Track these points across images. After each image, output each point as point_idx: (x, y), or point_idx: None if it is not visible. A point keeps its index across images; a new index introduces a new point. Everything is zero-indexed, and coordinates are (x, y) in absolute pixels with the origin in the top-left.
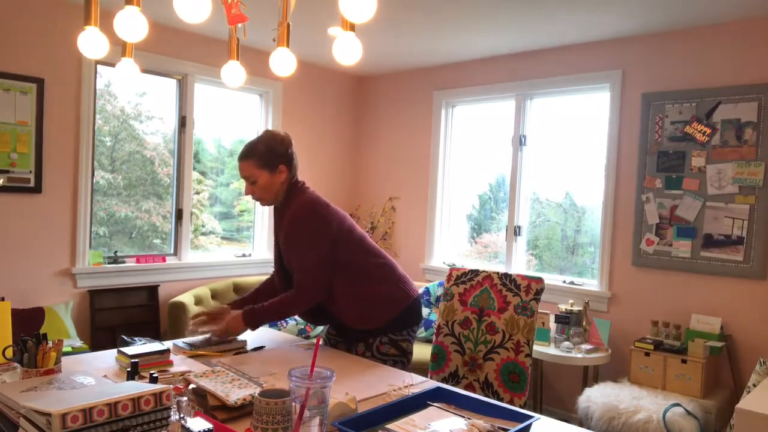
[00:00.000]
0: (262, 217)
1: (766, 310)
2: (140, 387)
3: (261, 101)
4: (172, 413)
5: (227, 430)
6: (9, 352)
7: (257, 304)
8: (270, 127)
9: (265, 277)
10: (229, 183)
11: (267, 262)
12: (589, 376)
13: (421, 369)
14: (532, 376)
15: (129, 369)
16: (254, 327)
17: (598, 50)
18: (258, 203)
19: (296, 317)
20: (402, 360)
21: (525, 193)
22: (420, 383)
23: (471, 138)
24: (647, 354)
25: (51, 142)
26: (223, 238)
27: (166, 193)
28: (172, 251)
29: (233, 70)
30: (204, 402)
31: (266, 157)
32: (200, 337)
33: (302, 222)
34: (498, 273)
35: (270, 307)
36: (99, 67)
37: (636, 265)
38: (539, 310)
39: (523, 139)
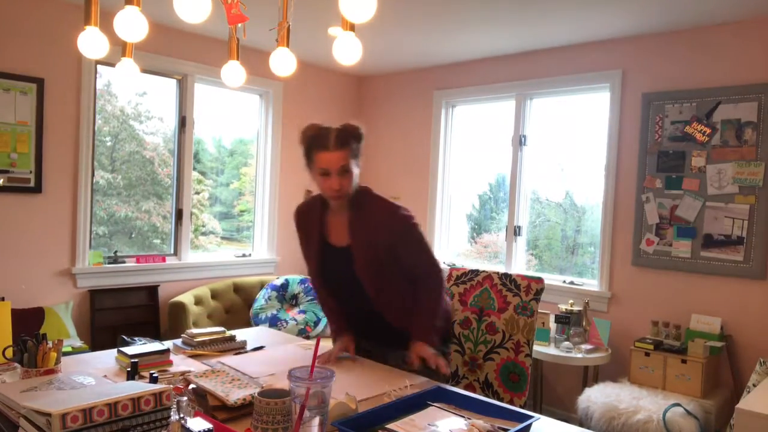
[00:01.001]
0: (262, 217)
1: (766, 310)
2: (140, 387)
3: (261, 101)
4: (172, 413)
5: (227, 430)
6: (9, 352)
7: (418, 319)
8: (270, 127)
9: (266, 278)
10: (229, 183)
11: (267, 262)
12: (589, 376)
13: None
14: (532, 376)
15: (129, 369)
16: (434, 337)
17: (598, 50)
18: (293, 207)
19: (296, 318)
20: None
21: (525, 193)
22: (420, 383)
23: (471, 138)
24: (647, 354)
25: (51, 142)
26: (223, 238)
27: (166, 193)
28: (172, 251)
29: (233, 70)
30: (204, 402)
31: (359, 148)
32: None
33: (406, 215)
34: (498, 273)
35: (428, 310)
36: (99, 67)
37: (636, 265)
38: (539, 310)
39: (523, 139)
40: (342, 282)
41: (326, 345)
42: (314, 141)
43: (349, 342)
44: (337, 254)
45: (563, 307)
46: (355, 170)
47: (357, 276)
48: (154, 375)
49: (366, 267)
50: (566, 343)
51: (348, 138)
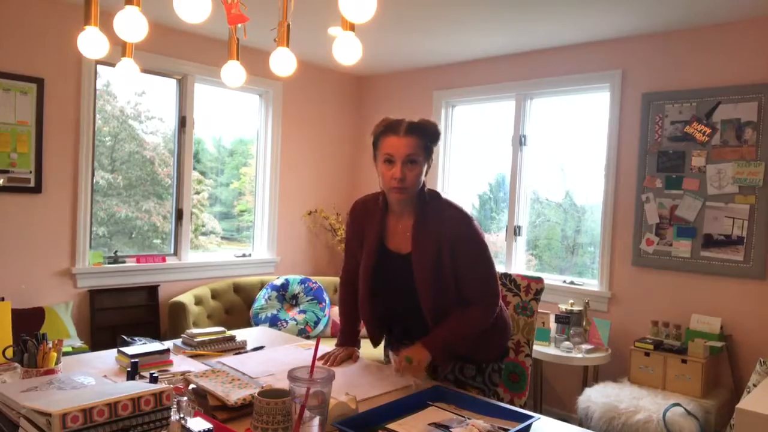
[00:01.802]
0: (262, 217)
1: (766, 310)
2: (140, 387)
3: (261, 101)
4: (172, 413)
5: (227, 430)
6: (9, 352)
7: (437, 330)
8: (270, 127)
9: (266, 278)
10: (229, 183)
11: (267, 262)
12: (589, 376)
13: None
14: (532, 376)
15: (129, 369)
16: (441, 354)
17: (598, 50)
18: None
19: (296, 318)
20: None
21: (525, 193)
22: (419, 383)
23: (471, 138)
24: (647, 354)
25: (51, 142)
26: (223, 238)
27: (166, 193)
28: (172, 251)
29: (233, 70)
30: (204, 402)
31: (432, 143)
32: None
33: (477, 231)
34: (498, 273)
35: (453, 328)
36: (99, 67)
37: (636, 265)
38: (539, 310)
39: (523, 139)
40: (395, 291)
41: (326, 346)
42: (385, 128)
43: (355, 354)
44: (394, 261)
45: (563, 307)
46: (423, 167)
47: (415, 287)
48: (154, 375)
49: (426, 280)
50: (566, 343)
51: (421, 130)
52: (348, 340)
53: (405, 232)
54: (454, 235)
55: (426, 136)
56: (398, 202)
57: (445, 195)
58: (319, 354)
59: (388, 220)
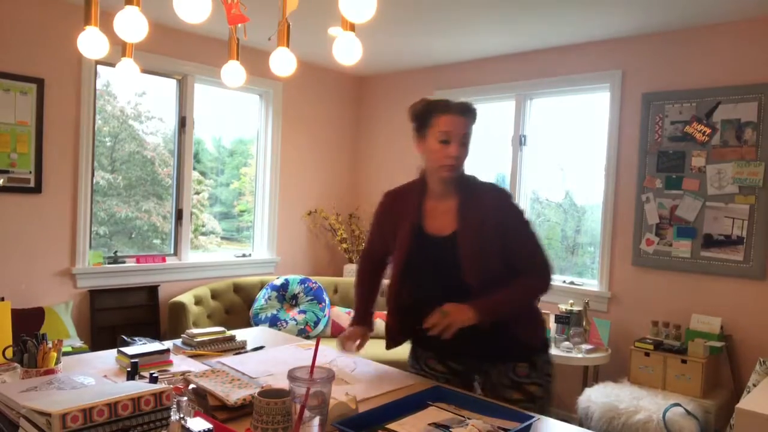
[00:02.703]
0: (262, 217)
1: (766, 310)
2: (140, 387)
3: (261, 101)
4: (172, 413)
5: (227, 430)
6: (9, 352)
7: (490, 295)
8: (270, 127)
9: (266, 278)
10: (229, 183)
11: (267, 262)
12: (589, 376)
13: None
14: None
15: (129, 369)
16: (487, 315)
17: (598, 50)
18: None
19: (296, 318)
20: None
21: (525, 193)
22: (420, 383)
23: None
24: (647, 354)
25: (51, 142)
26: (223, 238)
27: (166, 193)
28: (172, 251)
29: (233, 70)
30: (204, 402)
31: (473, 124)
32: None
33: (518, 205)
34: None
35: (509, 293)
36: (99, 67)
37: (636, 265)
38: None
39: (523, 139)
40: (434, 276)
41: (326, 346)
42: (433, 106)
43: (367, 336)
44: (435, 244)
45: (563, 307)
46: (469, 147)
47: (460, 267)
48: (154, 375)
49: (473, 257)
50: (566, 343)
51: (471, 111)
52: (363, 319)
53: (447, 212)
54: (499, 209)
55: (473, 116)
56: (445, 181)
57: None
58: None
59: (426, 203)
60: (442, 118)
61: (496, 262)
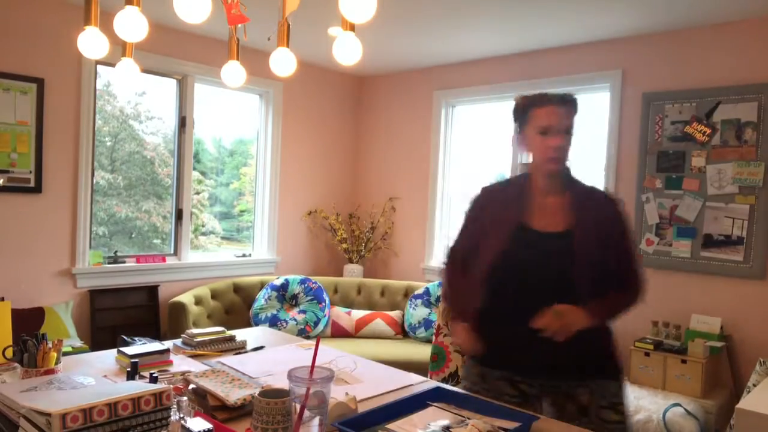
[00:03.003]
0: (262, 217)
1: (766, 310)
2: (140, 387)
3: (261, 101)
4: (172, 413)
5: (227, 430)
6: (9, 352)
7: (599, 300)
8: (270, 127)
9: (266, 278)
10: (229, 183)
11: (267, 262)
12: None
13: (421, 369)
14: None
15: (129, 369)
16: (598, 323)
17: (598, 50)
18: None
19: (296, 318)
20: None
21: None
22: (420, 383)
23: (471, 138)
24: (647, 354)
25: (51, 142)
26: (223, 238)
27: (166, 193)
28: (172, 251)
29: (233, 70)
30: (204, 402)
31: (575, 115)
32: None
33: (623, 211)
34: None
35: (610, 304)
36: (99, 67)
37: None
38: None
39: None
40: (538, 274)
41: (326, 346)
42: (531, 100)
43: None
44: (543, 240)
45: None
46: (571, 139)
47: (571, 264)
48: (154, 375)
49: (588, 255)
50: None
51: (572, 102)
52: (466, 319)
53: (557, 209)
54: (611, 213)
55: (574, 106)
56: (550, 175)
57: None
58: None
59: (531, 199)
60: (540, 111)
61: (601, 265)
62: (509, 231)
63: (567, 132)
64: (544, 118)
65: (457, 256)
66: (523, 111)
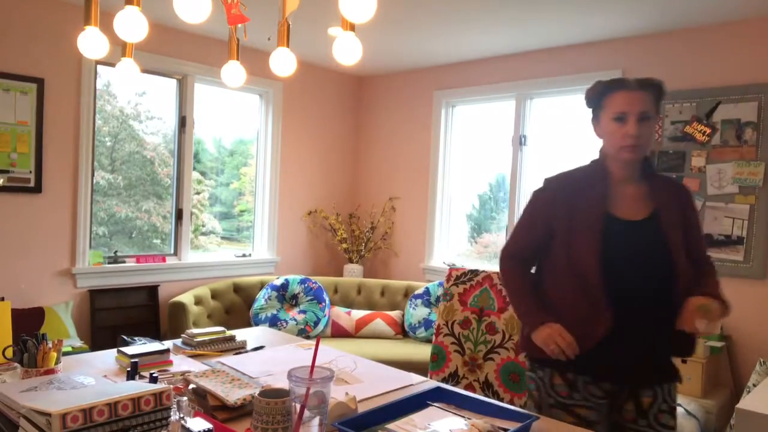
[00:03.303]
0: (262, 217)
1: (766, 310)
2: (140, 387)
3: (261, 101)
4: (172, 413)
5: (227, 430)
6: (9, 352)
7: (710, 286)
8: (270, 127)
9: (266, 278)
10: (229, 183)
11: (267, 262)
12: None
13: (421, 369)
14: None
15: (129, 369)
16: (727, 312)
17: (598, 50)
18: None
19: (296, 318)
20: None
21: (525, 193)
22: (420, 383)
23: (471, 138)
24: None
25: (51, 142)
26: (223, 238)
27: (166, 193)
28: (172, 251)
29: (233, 70)
30: (204, 402)
31: (661, 99)
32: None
33: (694, 201)
34: (497, 273)
35: (719, 290)
36: (99, 67)
37: None
38: None
39: (523, 139)
40: (634, 266)
41: (326, 346)
42: (609, 84)
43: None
44: (632, 230)
45: None
46: (655, 125)
47: (667, 251)
48: (154, 375)
49: (679, 242)
50: None
51: (651, 84)
52: (547, 314)
53: (637, 197)
54: (684, 197)
55: (656, 90)
56: (627, 164)
57: None
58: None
59: (610, 187)
60: (615, 96)
61: (686, 250)
62: (598, 223)
63: (645, 119)
64: (619, 103)
65: (520, 254)
66: (598, 97)
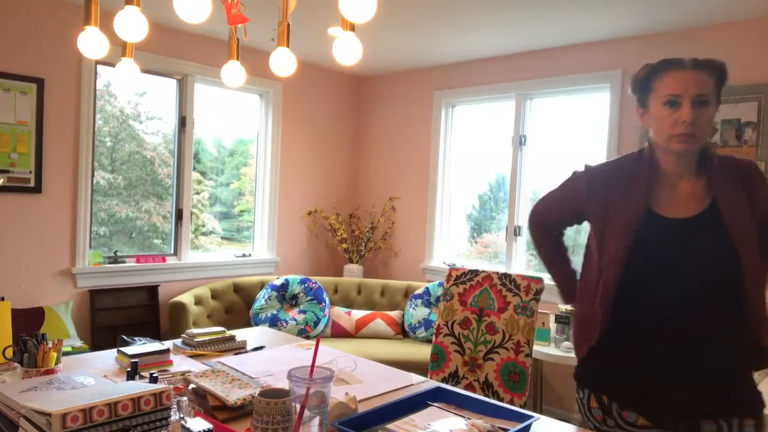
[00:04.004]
0: (262, 217)
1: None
2: (140, 387)
3: (261, 101)
4: (172, 413)
5: (227, 430)
6: (9, 352)
7: None
8: (270, 127)
9: (266, 278)
10: (229, 183)
11: (267, 262)
12: None
13: (421, 369)
14: (532, 376)
15: (129, 369)
16: None
17: (598, 50)
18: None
19: (296, 318)
20: None
21: (525, 193)
22: (420, 383)
23: (471, 138)
24: None
25: (51, 142)
26: (223, 238)
27: (167, 193)
28: (172, 251)
29: (233, 70)
30: (204, 402)
31: (722, 83)
32: (202, 331)
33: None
34: (497, 273)
35: None
36: (99, 67)
37: None
38: (539, 310)
39: (523, 139)
40: (674, 269)
41: (326, 346)
42: (659, 65)
43: None
44: (676, 228)
45: (563, 307)
46: (713, 110)
47: (725, 252)
48: (154, 375)
49: (747, 237)
50: (566, 343)
51: (710, 65)
52: (569, 295)
53: (691, 192)
54: (754, 180)
55: (715, 71)
56: (680, 156)
57: None
58: None
59: (655, 185)
60: (666, 77)
61: (760, 238)
62: (634, 221)
63: (703, 102)
64: (671, 85)
65: (545, 220)
66: (645, 80)
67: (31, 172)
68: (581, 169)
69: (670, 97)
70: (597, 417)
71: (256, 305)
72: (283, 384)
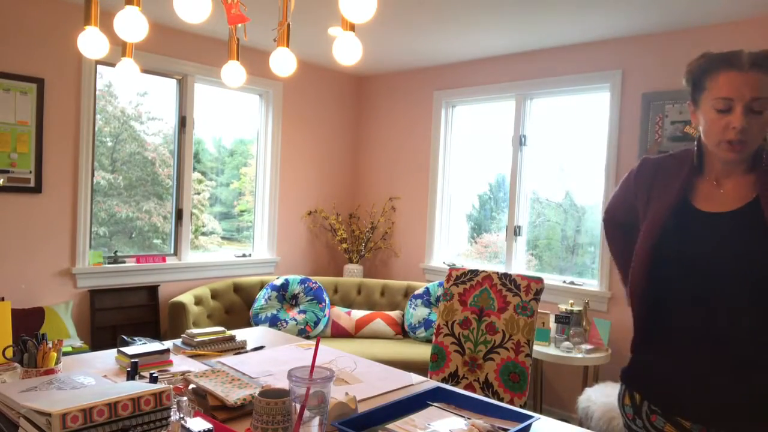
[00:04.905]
0: (262, 217)
1: None
2: (140, 387)
3: (261, 101)
4: (172, 413)
5: (227, 430)
6: (9, 352)
7: None
8: (270, 127)
9: (266, 278)
10: (229, 183)
11: (267, 262)
12: (589, 376)
13: (421, 369)
14: (532, 376)
15: (129, 369)
16: None
17: (598, 50)
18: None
19: (296, 318)
20: None
21: (525, 193)
22: (420, 383)
23: (471, 138)
24: None
25: (51, 142)
26: (223, 238)
27: (167, 193)
28: (172, 251)
29: (233, 70)
30: (204, 402)
31: None
32: (202, 331)
33: None
34: (497, 273)
35: None
36: (99, 67)
37: None
38: (539, 310)
39: (523, 139)
40: (707, 266)
41: (326, 346)
42: (715, 61)
43: None
44: (714, 222)
45: (563, 307)
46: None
47: (750, 255)
48: (154, 375)
49: None
50: (566, 343)
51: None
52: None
53: (735, 189)
54: None
55: None
56: (728, 162)
57: None
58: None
59: (700, 183)
60: (719, 77)
61: None
62: (667, 210)
63: (757, 110)
64: (725, 87)
65: (612, 215)
66: (700, 74)
67: (31, 172)
68: (640, 161)
69: (721, 100)
70: (628, 415)
71: (256, 305)
72: (283, 384)
